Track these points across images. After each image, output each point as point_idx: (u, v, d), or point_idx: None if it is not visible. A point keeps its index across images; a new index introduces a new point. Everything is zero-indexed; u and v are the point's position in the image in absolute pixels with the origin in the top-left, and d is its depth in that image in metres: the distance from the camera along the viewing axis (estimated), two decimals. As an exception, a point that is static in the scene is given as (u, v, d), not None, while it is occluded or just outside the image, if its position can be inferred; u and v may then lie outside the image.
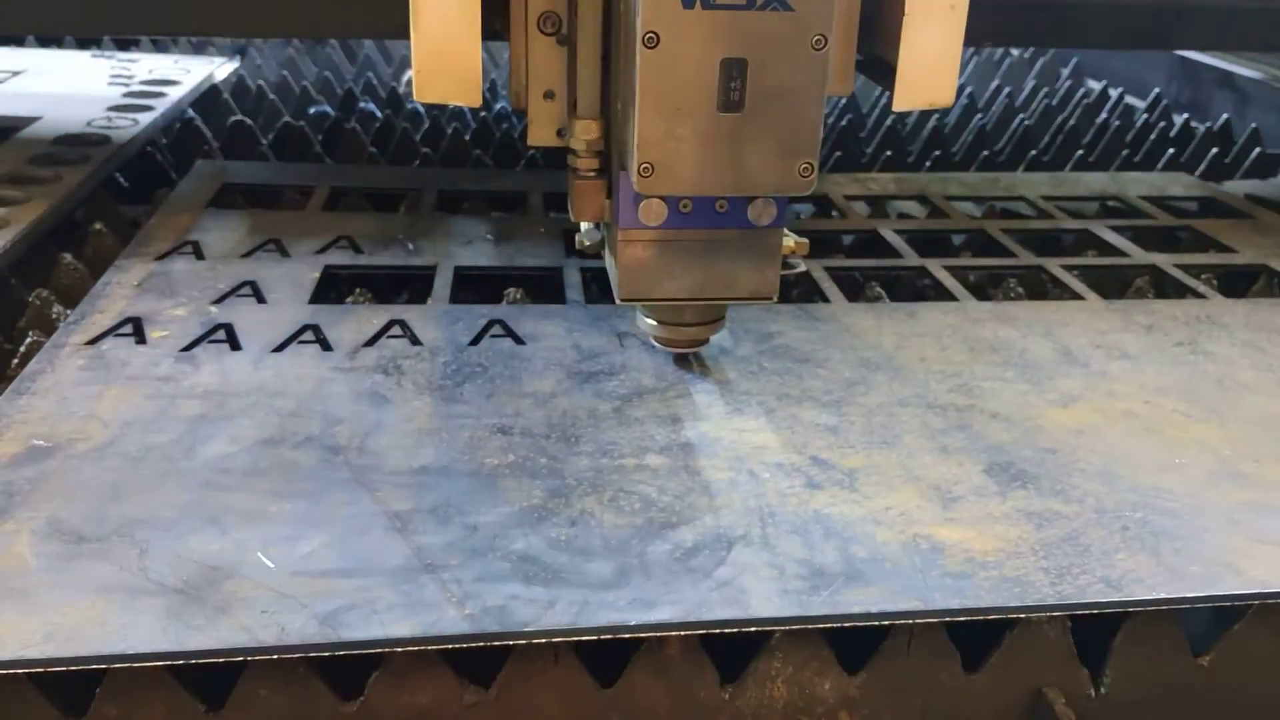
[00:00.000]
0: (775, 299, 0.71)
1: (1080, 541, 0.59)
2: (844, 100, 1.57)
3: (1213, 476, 0.66)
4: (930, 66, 0.63)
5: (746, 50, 0.58)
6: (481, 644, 0.51)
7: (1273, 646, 0.59)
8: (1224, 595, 0.56)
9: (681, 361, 0.77)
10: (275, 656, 0.51)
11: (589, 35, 0.64)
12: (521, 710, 0.55)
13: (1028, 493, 0.64)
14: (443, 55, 0.61)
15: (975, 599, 0.54)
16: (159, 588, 0.53)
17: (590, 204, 0.69)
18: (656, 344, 0.76)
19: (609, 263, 0.71)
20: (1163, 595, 0.56)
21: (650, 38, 0.57)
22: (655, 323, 0.74)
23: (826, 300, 0.91)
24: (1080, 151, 1.42)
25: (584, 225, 0.74)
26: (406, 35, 0.61)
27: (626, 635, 0.52)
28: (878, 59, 0.65)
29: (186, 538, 0.57)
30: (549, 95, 0.66)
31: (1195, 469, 0.67)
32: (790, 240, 0.70)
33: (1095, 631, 0.59)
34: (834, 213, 1.15)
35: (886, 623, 0.55)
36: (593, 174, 0.68)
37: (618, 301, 0.70)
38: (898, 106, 0.64)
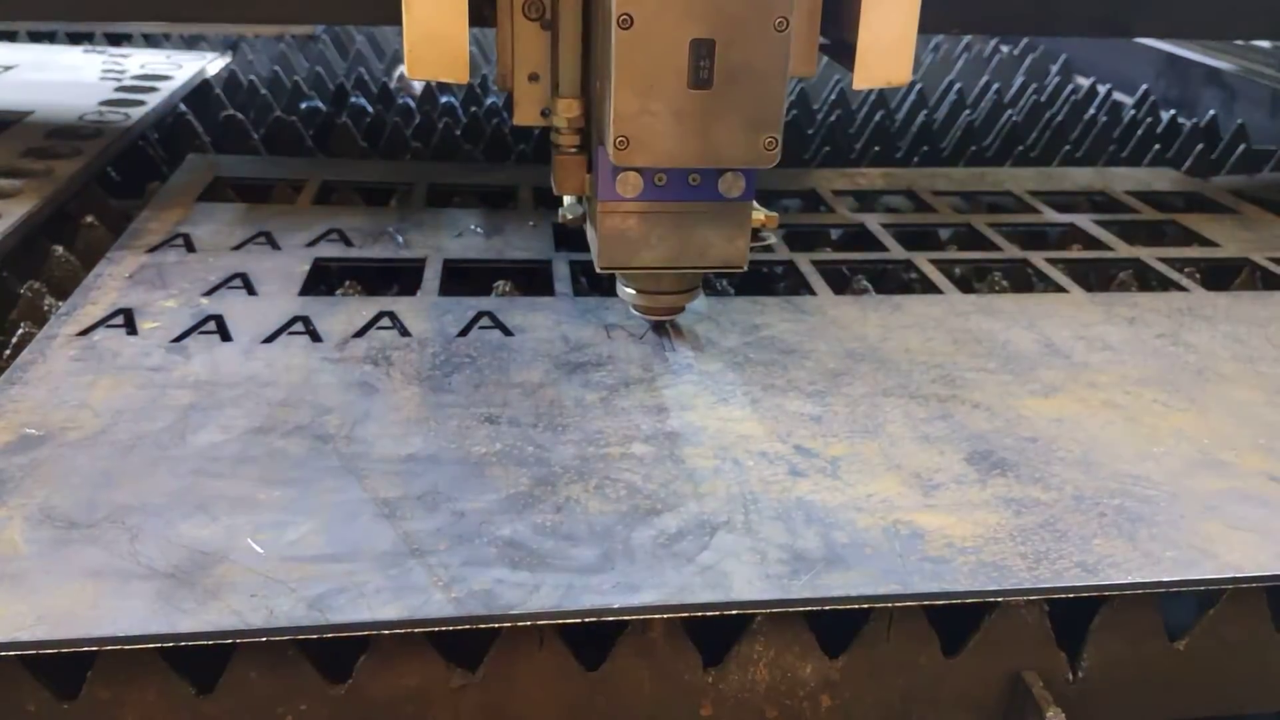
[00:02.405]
0: (745, 267, 0.73)
1: (1058, 527, 0.60)
2: (834, 95, 1.58)
3: (1191, 465, 0.67)
4: (888, 46, 0.66)
5: (714, 31, 0.61)
6: (467, 626, 0.52)
7: (1247, 630, 0.60)
8: (1199, 580, 0.57)
9: (660, 330, 0.80)
10: (264, 639, 0.51)
11: (570, 19, 0.67)
12: (507, 693, 0.56)
13: (1007, 480, 0.65)
14: (433, 36, 0.65)
15: (954, 583, 0.55)
16: (150, 572, 0.54)
17: (572, 178, 0.73)
18: (635, 311, 0.78)
19: (590, 234, 0.74)
20: (1138, 579, 0.57)
21: (625, 19, 0.60)
22: (634, 291, 0.76)
23: (813, 293, 0.92)
24: (1068, 147, 1.43)
25: (566, 200, 0.76)
26: (396, 22, 0.64)
27: (610, 618, 0.53)
28: (841, 41, 0.68)
29: (177, 524, 0.58)
30: (534, 77, 0.69)
31: (1174, 458, 0.68)
32: (760, 214, 0.73)
33: (1073, 616, 0.60)
34: (822, 207, 1.16)
35: (867, 606, 0.56)
36: (574, 150, 0.72)
37: (598, 270, 0.72)
38: (857, 85, 0.67)
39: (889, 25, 0.65)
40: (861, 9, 0.65)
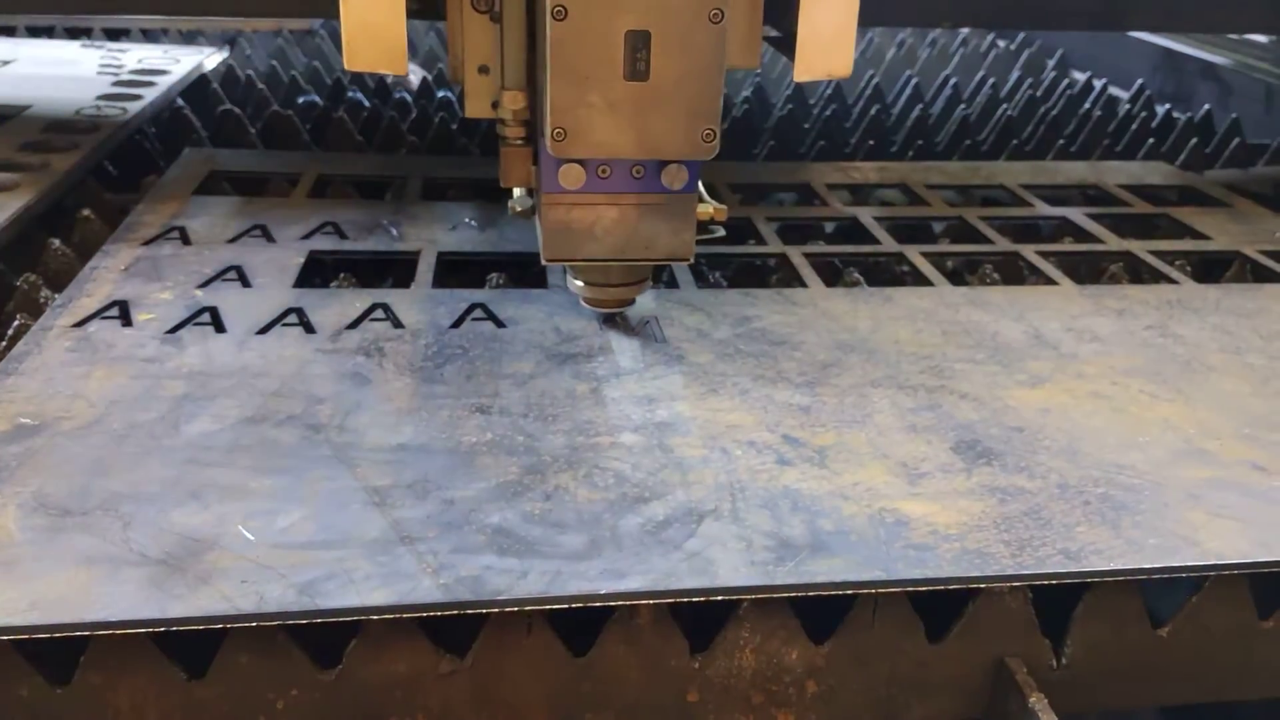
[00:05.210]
0: (692, 259, 0.74)
1: (1042, 515, 0.61)
2: (829, 89, 1.59)
3: (1175, 454, 0.68)
4: (828, 39, 0.67)
5: (649, 23, 0.62)
6: (456, 612, 0.52)
7: (1229, 617, 0.61)
8: (1181, 566, 0.58)
9: (610, 322, 0.81)
10: (254, 624, 0.52)
11: (514, 10, 0.67)
12: (495, 679, 0.56)
13: (993, 469, 0.65)
14: (370, 27, 0.65)
15: (937, 570, 0.56)
16: (142, 559, 0.54)
17: (518, 170, 0.73)
18: (585, 304, 0.78)
19: (537, 227, 0.74)
20: (1120, 566, 0.57)
21: (559, 11, 0.61)
22: (582, 283, 0.77)
23: (805, 285, 0.93)
24: (1062, 141, 1.44)
25: (516, 192, 0.77)
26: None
27: (598, 604, 0.54)
28: (786, 34, 0.69)
29: (169, 511, 0.58)
30: (484, 70, 0.69)
31: (1158, 447, 0.69)
32: (709, 206, 0.73)
33: (1057, 603, 0.60)
34: (815, 200, 1.16)
35: (851, 592, 0.56)
36: (520, 142, 0.72)
37: (543, 262, 0.73)
38: (798, 77, 0.68)
39: (829, 17, 0.66)
40: (800, 2, 0.65)
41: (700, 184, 0.73)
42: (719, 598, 0.55)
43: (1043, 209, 1.16)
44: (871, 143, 1.39)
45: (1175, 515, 0.61)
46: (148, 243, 0.94)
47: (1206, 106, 1.55)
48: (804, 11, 0.65)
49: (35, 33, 1.68)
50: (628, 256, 0.73)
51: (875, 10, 0.66)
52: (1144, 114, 1.55)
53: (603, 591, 0.54)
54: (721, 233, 0.75)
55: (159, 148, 1.27)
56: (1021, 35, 2.01)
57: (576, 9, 0.61)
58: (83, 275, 0.87)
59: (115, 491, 0.60)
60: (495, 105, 0.71)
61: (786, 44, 0.68)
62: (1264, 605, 0.62)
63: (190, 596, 0.52)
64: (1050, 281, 0.96)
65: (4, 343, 0.81)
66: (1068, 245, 1.06)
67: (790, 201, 1.19)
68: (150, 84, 1.35)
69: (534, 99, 0.70)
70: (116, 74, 1.40)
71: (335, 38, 1.80)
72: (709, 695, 0.58)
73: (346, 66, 0.65)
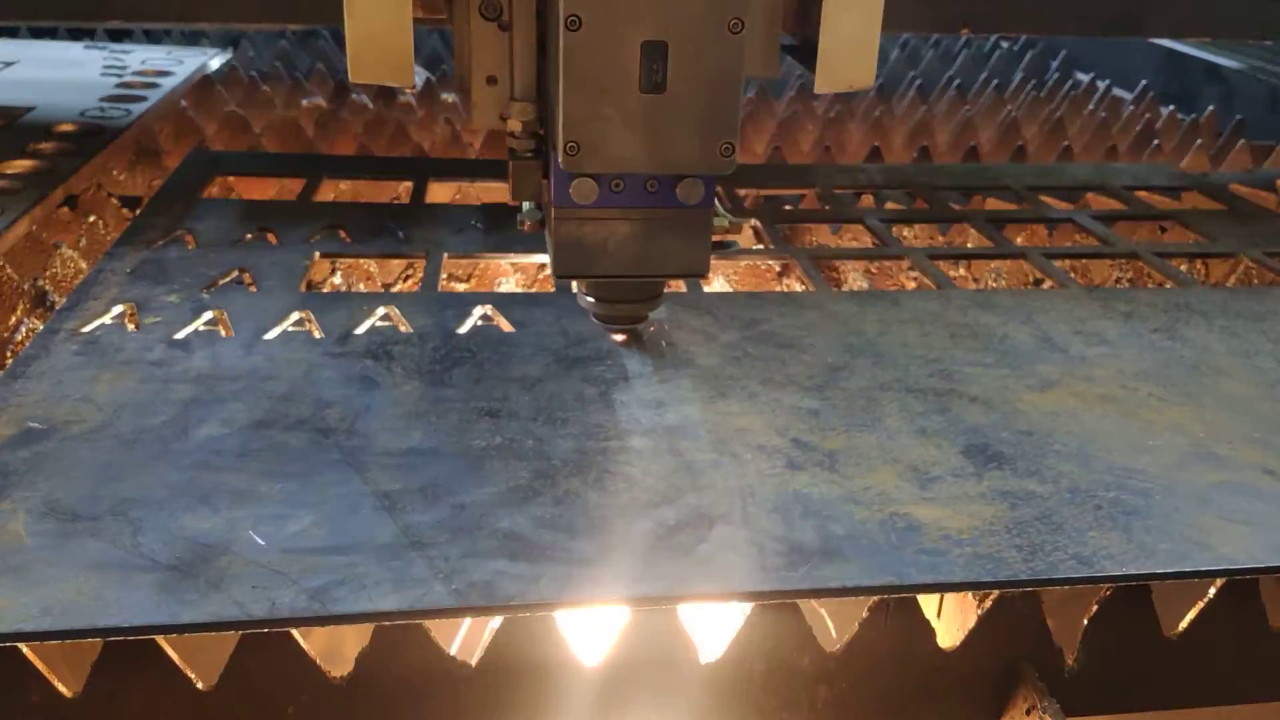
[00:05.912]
0: (707, 275, 0.73)
1: (1053, 520, 0.61)
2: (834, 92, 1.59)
3: (1185, 458, 0.68)
4: (850, 49, 0.65)
5: (666, 33, 0.60)
6: (467, 617, 0.52)
7: (1240, 621, 0.61)
8: (1192, 571, 0.58)
9: (628, 338, 0.80)
10: (266, 630, 0.52)
11: (524, 19, 0.66)
12: (505, 682, 0.56)
13: (1003, 473, 0.65)
14: (375, 38, 0.63)
15: (949, 575, 0.56)
16: (152, 564, 0.54)
17: (527, 184, 0.71)
18: (596, 320, 0.78)
19: (547, 241, 0.73)
20: (1132, 571, 0.57)
21: (572, 20, 0.59)
22: (593, 299, 0.76)
23: (811, 288, 0.92)
24: (1067, 143, 1.44)
25: (525, 205, 0.76)
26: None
27: (608, 608, 0.54)
28: (805, 43, 0.67)
29: (179, 516, 0.58)
30: (492, 80, 0.68)
31: (1169, 451, 0.69)
32: (724, 220, 0.72)
33: (1068, 607, 0.60)
34: (820, 202, 1.16)
35: (863, 597, 0.56)
36: (530, 155, 0.71)
37: (554, 278, 0.72)
38: (819, 89, 0.66)
39: (850, 28, 0.64)
40: (823, 10, 0.63)
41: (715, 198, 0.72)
42: (731, 602, 0.55)
43: (1048, 211, 1.15)
44: (876, 144, 1.39)
45: (1186, 519, 0.61)
46: (154, 245, 0.93)
47: (1211, 108, 1.55)
48: (826, 20, 0.64)
49: (38, 34, 1.68)
50: (641, 272, 0.71)
51: (888, 16, 0.65)
52: (1148, 115, 1.55)
53: (615, 596, 0.54)
54: (739, 247, 0.74)
55: (164, 149, 1.27)
56: (1024, 36, 2.00)
57: (591, 19, 0.59)
58: (89, 278, 0.87)
59: (125, 496, 0.60)
60: (504, 117, 0.70)
61: (806, 54, 0.67)
62: (1276, 609, 0.62)
63: (202, 602, 0.52)
64: (1057, 284, 0.96)
65: (11, 347, 0.80)
66: (1074, 247, 1.06)
67: (795, 203, 1.19)
68: (154, 85, 1.35)
69: (544, 110, 0.69)
70: (120, 75, 1.40)
71: (337, 38, 1.80)
72: (720, 701, 0.58)
73: (352, 79, 0.64)
